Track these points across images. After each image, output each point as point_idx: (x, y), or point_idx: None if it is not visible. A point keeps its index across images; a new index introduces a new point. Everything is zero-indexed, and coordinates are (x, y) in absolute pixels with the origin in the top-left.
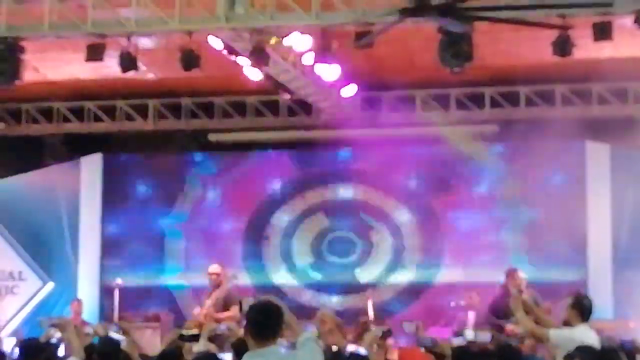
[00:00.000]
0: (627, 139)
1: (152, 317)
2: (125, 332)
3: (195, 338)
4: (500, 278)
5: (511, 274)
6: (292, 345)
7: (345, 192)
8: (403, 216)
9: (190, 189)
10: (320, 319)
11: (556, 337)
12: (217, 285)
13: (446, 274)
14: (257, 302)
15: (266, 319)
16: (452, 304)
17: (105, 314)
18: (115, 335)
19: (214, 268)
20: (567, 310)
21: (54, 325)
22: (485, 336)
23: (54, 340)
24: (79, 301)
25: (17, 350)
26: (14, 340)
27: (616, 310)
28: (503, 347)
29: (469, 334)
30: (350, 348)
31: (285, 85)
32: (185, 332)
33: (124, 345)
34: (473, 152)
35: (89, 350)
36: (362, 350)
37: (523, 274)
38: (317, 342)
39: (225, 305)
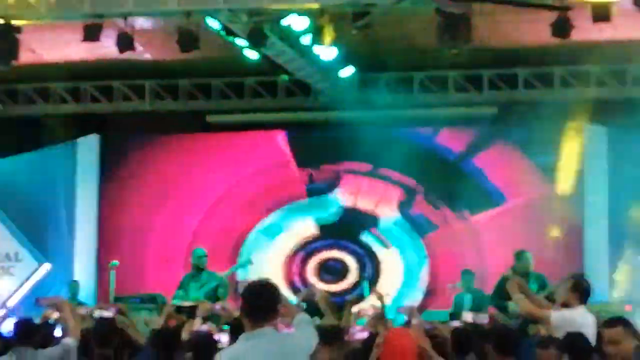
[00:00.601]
0: (625, 120)
1: (148, 299)
2: (122, 313)
3: (192, 310)
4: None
5: (518, 255)
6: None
7: None
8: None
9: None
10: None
11: (557, 319)
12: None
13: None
14: (252, 283)
15: (262, 299)
16: (449, 286)
17: (101, 295)
18: (107, 315)
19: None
20: (567, 292)
21: (50, 306)
22: (483, 318)
23: (51, 321)
24: (76, 283)
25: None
26: (13, 321)
27: (612, 293)
28: (500, 328)
29: (467, 316)
30: None
31: (283, 67)
32: (181, 304)
33: (121, 325)
34: None
35: (86, 331)
36: None
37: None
38: (312, 323)
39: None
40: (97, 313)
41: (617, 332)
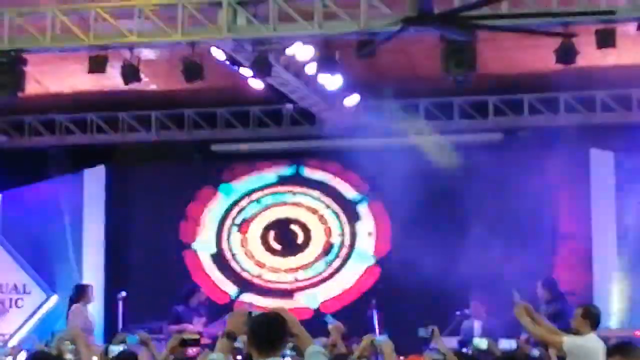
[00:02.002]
0: (631, 146)
1: (156, 329)
2: (144, 343)
3: (196, 342)
4: None
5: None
6: (300, 355)
7: None
8: None
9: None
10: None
11: (570, 345)
12: None
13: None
14: (261, 315)
15: (269, 331)
16: (458, 313)
17: (109, 326)
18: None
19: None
20: (577, 319)
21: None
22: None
23: (69, 357)
24: None
25: None
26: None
27: (621, 318)
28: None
29: (482, 343)
30: None
31: (288, 96)
32: (186, 336)
33: (141, 356)
34: (444, 161)
35: None
36: None
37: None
38: (325, 355)
39: None
40: (114, 348)
41: None
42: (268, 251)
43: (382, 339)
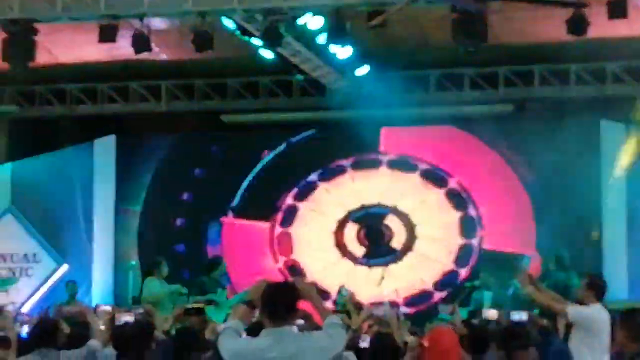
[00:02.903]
0: None
1: None
2: (149, 315)
3: (201, 311)
4: None
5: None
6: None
7: None
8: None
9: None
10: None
11: (575, 314)
12: None
13: None
14: (273, 284)
15: (281, 300)
16: (468, 284)
17: (119, 296)
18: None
19: None
20: (583, 289)
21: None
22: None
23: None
24: (73, 283)
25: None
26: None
27: (631, 291)
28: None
29: (492, 314)
30: None
31: (298, 66)
32: (191, 306)
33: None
34: None
35: (119, 333)
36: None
37: None
38: (343, 327)
39: None
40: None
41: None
42: None
43: (387, 312)
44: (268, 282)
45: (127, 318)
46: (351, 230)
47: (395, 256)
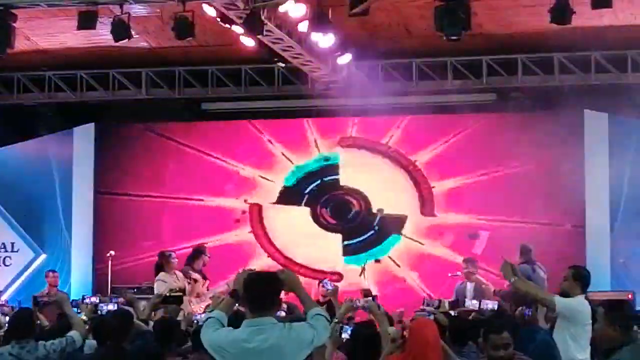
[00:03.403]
0: (626, 107)
1: (145, 289)
2: (131, 304)
3: (178, 300)
4: None
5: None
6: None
7: None
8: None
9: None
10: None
11: (562, 306)
12: None
13: None
14: (254, 274)
15: (262, 290)
16: (450, 274)
17: (98, 286)
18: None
19: None
20: (569, 281)
21: (51, 303)
22: (492, 305)
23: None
24: (55, 272)
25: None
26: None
27: (613, 281)
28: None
29: (473, 304)
30: None
31: (280, 54)
32: (169, 293)
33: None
34: None
35: (98, 323)
36: None
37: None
38: (327, 318)
39: None
40: (103, 307)
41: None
42: None
43: (369, 303)
44: (249, 271)
45: (110, 307)
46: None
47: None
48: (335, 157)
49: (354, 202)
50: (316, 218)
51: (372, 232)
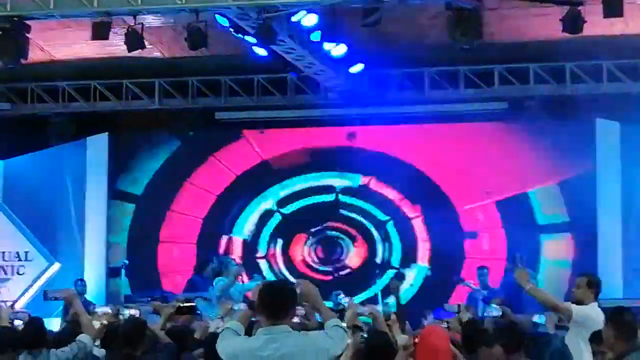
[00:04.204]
0: (638, 116)
1: (159, 298)
2: (157, 312)
3: (192, 309)
4: None
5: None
6: (321, 327)
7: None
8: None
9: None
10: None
11: (579, 314)
12: None
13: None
14: (270, 282)
15: (278, 298)
16: (463, 283)
17: (111, 295)
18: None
19: None
20: (581, 288)
21: (59, 298)
22: (497, 312)
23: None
24: (82, 281)
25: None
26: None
27: (625, 289)
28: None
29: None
30: None
31: (292, 64)
32: (182, 304)
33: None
34: None
35: (109, 330)
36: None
37: None
38: (345, 330)
39: None
40: (126, 312)
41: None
42: None
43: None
44: (266, 281)
45: (132, 312)
46: None
47: None
48: None
49: None
50: None
51: None
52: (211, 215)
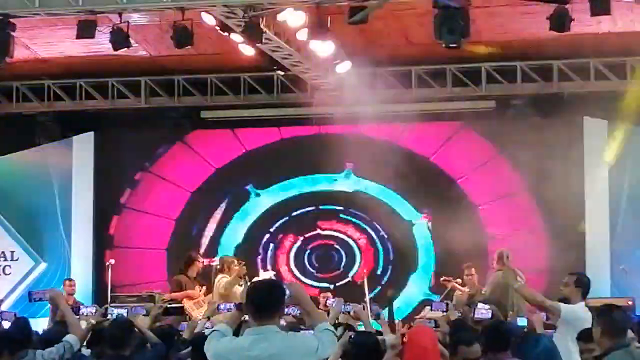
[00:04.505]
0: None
1: (146, 297)
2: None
3: (179, 310)
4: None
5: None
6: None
7: None
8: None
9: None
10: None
11: (567, 313)
12: None
13: None
14: (258, 282)
15: (266, 298)
16: (453, 281)
17: (98, 294)
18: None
19: None
20: (569, 287)
21: (45, 299)
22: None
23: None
24: (71, 281)
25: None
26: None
27: (613, 288)
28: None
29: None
30: None
31: (279, 62)
32: (170, 305)
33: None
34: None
35: (99, 331)
36: None
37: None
38: (335, 333)
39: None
40: (114, 312)
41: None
42: None
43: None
44: (254, 280)
45: (121, 311)
46: None
47: None
48: None
49: None
50: None
51: None
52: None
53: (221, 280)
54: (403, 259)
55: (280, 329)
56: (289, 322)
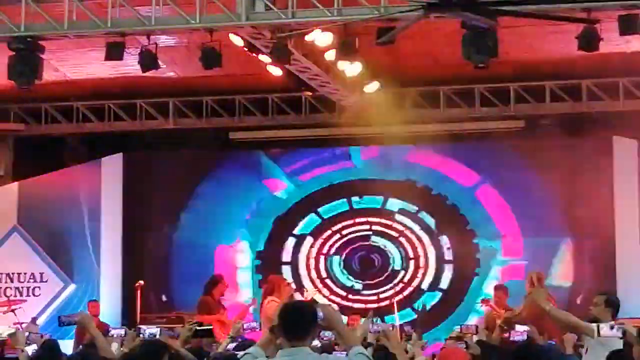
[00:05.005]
0: None
1: (175, 319)
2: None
3: (209, 333)
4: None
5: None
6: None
7: None
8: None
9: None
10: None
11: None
12: None
13: None
14: (291, 303)
15: (298, 319)
16: (479, 305)
17: (127, 316)
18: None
19: None
20: (599, 307)
21: (74, 323)
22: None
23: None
24: (96, 302)
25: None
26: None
27: None
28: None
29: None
30: None
31: (307, 83)
32: (199, 327)
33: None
34: None
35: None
36: None
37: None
38: (369, 357)
39: None
40: (145, 331)
41: None
42: None
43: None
44: (286, 302)
45: (153, 330)
46: None
47: None
48: None
49: None
50: None
51: None
52: None
53: (271, 303)
54: None
55: (313, 350)
56: (324, 344)
